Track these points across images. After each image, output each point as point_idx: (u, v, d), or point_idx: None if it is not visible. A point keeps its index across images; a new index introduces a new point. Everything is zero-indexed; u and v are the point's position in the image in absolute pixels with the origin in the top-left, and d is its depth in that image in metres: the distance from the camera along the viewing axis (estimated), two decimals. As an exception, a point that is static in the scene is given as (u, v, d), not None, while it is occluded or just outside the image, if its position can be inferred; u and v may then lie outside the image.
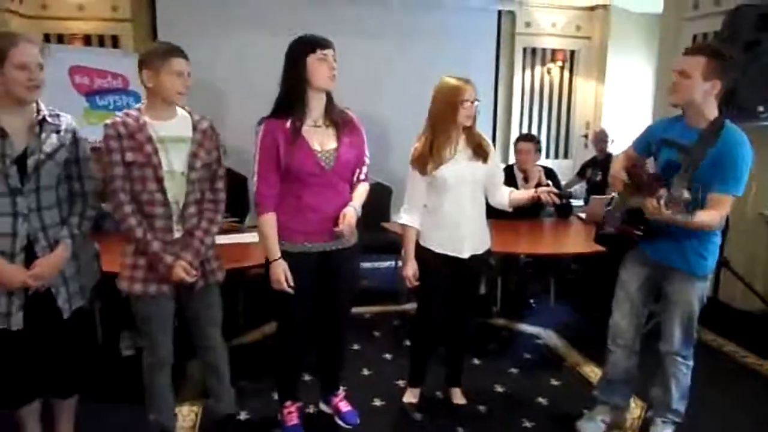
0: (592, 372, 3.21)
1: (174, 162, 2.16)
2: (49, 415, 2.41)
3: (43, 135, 2.05)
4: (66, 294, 2.15)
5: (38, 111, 2.07)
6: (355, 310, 3.13)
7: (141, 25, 4.97)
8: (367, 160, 2.49)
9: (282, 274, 2.30)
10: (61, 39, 4.82)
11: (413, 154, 2.50)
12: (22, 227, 2.02)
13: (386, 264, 4.91)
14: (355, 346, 3.49)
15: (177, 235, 2.21)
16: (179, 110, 2.25)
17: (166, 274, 2.16)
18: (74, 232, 2.13)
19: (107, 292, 2.63)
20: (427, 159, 2.46)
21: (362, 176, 2.48)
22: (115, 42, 4.97)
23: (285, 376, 2.63)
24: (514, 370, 3.28)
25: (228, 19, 4.79)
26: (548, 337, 3.77)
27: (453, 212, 2.51)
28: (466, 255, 2.54)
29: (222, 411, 2.54)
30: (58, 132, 2.09)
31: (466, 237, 2.53)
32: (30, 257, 2.05)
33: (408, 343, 3.24)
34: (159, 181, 2.13)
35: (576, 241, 3.91)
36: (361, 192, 2.46)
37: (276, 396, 2.67)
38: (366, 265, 4.91)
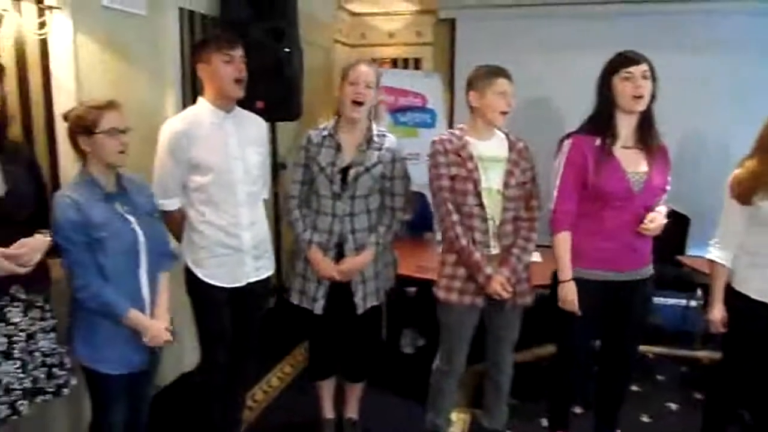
0: None
1: (492, 180, 2.25)
2: (341, 394, 2.73)
3: (368, 151, 2.33)
4: (362, 293, 2.41)
5: (369, 130, 2.36)
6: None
7: (441, 48, 5.33)
8: (668, 188, 2.27)
9: (573, 295, 2.20)
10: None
11: (734, 180, 2.16)
12: (337, 227, 2.33)
13: (675, 301, 4.37)
14: (634, 387, 3.17)
15: (493, 251, 2.27)
16: (497, 131, 2.33)
17: (484, 285, 2.23)
18: (379, 241, 2.38)
19: (394, 293, 2.88)
20: (752, 187, 2.10)
21: (662, 203, 2.27)
22: (416, 64, 5.43)
23: (559, 403, 2.52)
24: None
25: (526, 41, 4.82)
26: None
27: None
28: None
29: (491, 426, 2.56)
30: (380, 149, 2.35)
31: None
32: (339, 255, 2.35)
33: (700, 396, 2.84)
34: (478, 195, 2.23)
35: None
36: (663, 212, 2.23)
37: (545, 422, 2.58)
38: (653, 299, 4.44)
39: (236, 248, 2.29)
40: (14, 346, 1.67)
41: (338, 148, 2.33)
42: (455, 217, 2.25)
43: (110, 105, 1.85)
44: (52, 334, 1.79)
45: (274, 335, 3.46)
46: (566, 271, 2.22)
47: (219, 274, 2.29)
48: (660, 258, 2.61)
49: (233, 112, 2.30)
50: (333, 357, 2.60)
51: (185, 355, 2.95)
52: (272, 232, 3.84)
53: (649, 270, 2.27)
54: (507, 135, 2.34)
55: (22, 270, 1.61)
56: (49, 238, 1.73)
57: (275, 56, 3.12)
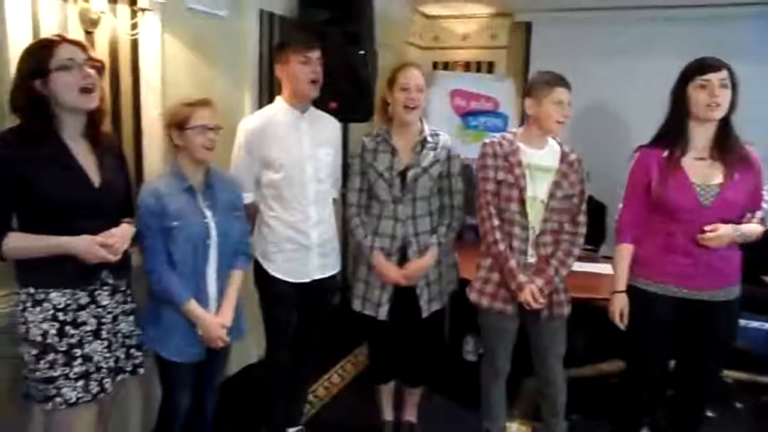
0: None
1: (537, 189, 2.21)
2: (400, 399, 2.73)
3: (423, 152, 2.32)
4: (427, 296, 2.40)
5: (421, 132, 2.35)
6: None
7: (515, 51, 5.23)
8: (765, 205, 2.11)
9: (619, 308, 2.16)
10: (446, 66, 5.43)
11: None
12: (400, 231, 2.33)
13: (759, 323, 4.09)
14: (709, 413, 2.99)
15: (530, 260, 2.24)
16: (551, 140, 2.29)
17: (515, 292, 2.20)
18: (441, 241, 2.37)
19: (459, 297, 2.85)
20: None
21: (754, 220, 2.11)
22: (490, 67, 5.35)
23: (625, 423, 2.41)
24: None
25: (603, 46, 4.66)
26: None
27: None
28: None
29: (551, 440, 2.48)
30: (434, 149, 2.34)
31: None
32: (402, 259, 2.35)
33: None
34: (522, 203, 2.20)
35: None
36: (752, 227, 2.09)
37: (610, 440, 2.48)
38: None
39: (303, 245, 2.34)
40: (102, 327, 1.77)
41: (393, 152, 2.33)
42: (495, 221, 2.22)
43: (203, 103, 1.96)
44: (131, 317, 1.89)
45: (338, 333, 3.50)
46: (619, 282, 2.19)
47: (286, 269, 2.34)
48: (744, 278, 2.46)
49: (308, 112, 2.35)
50: (393, 361, 2.60)
51: (251, 347, 3.04)
52: (340, 232, 3.91)
53: (734, 291, 2.14)
54: (561, 145, 2.28)
55: (114, 258, 1.71)
56: (134, 228, 1.83)
57: (350, 58, 3.17)
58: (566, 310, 2.33)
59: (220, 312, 2.03)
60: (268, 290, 2.39)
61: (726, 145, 2.06)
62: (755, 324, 4.10)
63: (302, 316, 2.50)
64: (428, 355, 2.60)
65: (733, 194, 2.04)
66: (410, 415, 2.72)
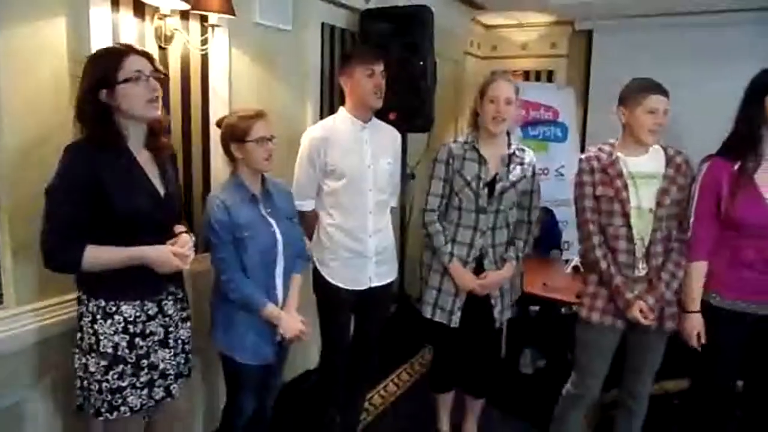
0: None
1: (643, 198, 2.12)
2: (460, 409, 2.71)
3: (511, 166, 2.32)
4: (501, 306, 2.40)
5: (509, 144, 2.35)
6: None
7: (575, 60, 5.15)
8: None
9: (696, 329, 2.05)
10: (505, 76, 5.39)
11: None
12: (478, 241, 2.33)
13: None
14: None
15: (641, 272, 2.14)
16: (654, 145, 2.20)
17: (625, 310, 2.13)
18: (519, 255, 2.36)
19: (518, 309, 2.82)
20: None
21: None
22: (549, 76, 5.28)
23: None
24: None
25: (665, 52, 4.52)
26: None
27: None
28: None
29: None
30: (522, 164, 2.33)
31: None
32: (477, 268, 2.35)
33: None
34: (625, 216, 2.11)
35: None
36: None
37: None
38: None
39: (360, 253, 2.37)
40: (169, 335, 1.82)
41: (482, 161, 2.32)
42: (596, 239, 2.15)
43: (260, 115, 2.00)
44: (188, 323, 1.93)
45: (394, 342, 3.52)
46: (695, 303, 2.08)
47: (342, 276, 2.38)
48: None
49: (370, 123, 2.39)
50: (457, 370, 2.59)
51: (310, 353, 3.09)
52: (397, 241, 3.93)
53: None
54: (665, 148, 2.18)
55: (187, 266, 1.74)
56: (192, 237, 1.86)
57: (410, 69, 3.20)
58: (673, 324, 2.18)
59: (287, 311, 2.09)
60: (326, 296, 2.43)
61: None
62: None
63: (359, 324, 2.53)
64: (492, 366, 2.58)
65: None
66: (470, 428, 2.70)
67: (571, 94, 4.83)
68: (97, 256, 1.62)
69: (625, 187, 2.11)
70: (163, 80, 1.78)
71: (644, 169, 2.14)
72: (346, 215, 2.35)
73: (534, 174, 2.37)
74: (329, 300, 2.42)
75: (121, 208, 1.62)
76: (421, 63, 3.21)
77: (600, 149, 2.20)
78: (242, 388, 2.09)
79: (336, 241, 2.36)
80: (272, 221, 2.04)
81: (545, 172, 4.39)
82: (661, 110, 2.08)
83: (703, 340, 2.08)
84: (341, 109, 2.41)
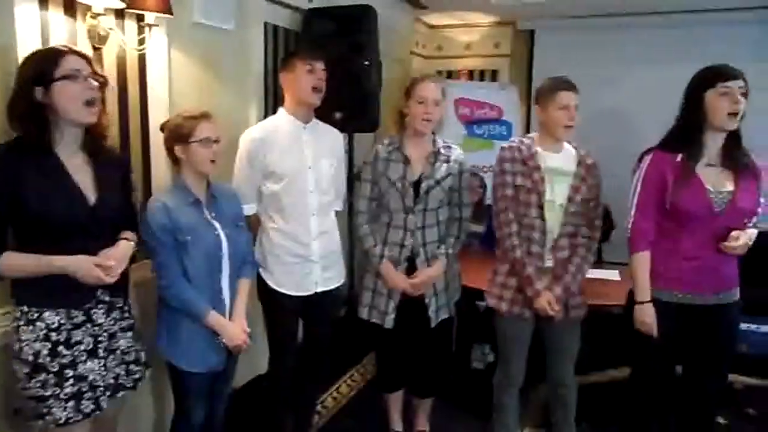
0: None
1: (556, 193, 2.21)
2: (410, 409, 2.72)
3: (436, 164, 2.33)
4: (435, 306, 2.41)
5: (434, 143, 2.37)
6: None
7: (518, 59, 5.27)
8: (759, 210, 2.12)
9: (651, 317, 2.10)
10: (450, 75, 5.46)
11: None
12: (408, 240, 2.35)
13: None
14: (721, 420, 2.97)
15: (548, 263, 2.24)
16: (567, 145, 2.30)
17: (533, 299, 2.21)
18: (449, 252, 2.38)
19: (466, 306, 2.85)
20: None
21: (750, 225, 2.11)
22: (493, 76, 5.38)
23: (635, 429, 2.40)
24: None
25: (605, 52, 4.69)
26: None
27: None
28: None
29: (562, 447, 2.47)
30: (448, 162, 2.36)
31: None
32: (410, 268, 2.36)
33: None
34: (540, 208, 2.20)
35: None
36: (753, 232, 2.09)
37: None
38: (742, 326, 4.16)
39: (305, 257, 2.34)
40: (99, 345, 1.75)
41: (406, 161, 2.34)
42: (513, 227, 2.23)
43: (204, 116, 1.96)
44: (130, 333, 1.87)
45: (345, 343, 3.51)
46: (644, 293, 2.12)
47: (286, 282, 2.34)
48: (751, 282, 2.45)
49: (311, 123, 2.37)
50: (401, 370, 2.60)
51: (259, 358, 3.04)
52: (346, 244, 3.91)
53: (734, 294, 2.14)
54: (576, 149, 2.29)
55: (111, 280, 1.68)
56: (133, 244, 1.81)
57: (355, 69, 3.19)
58: (581, 312, 2.33)
59: (234, 318, 2.05)
60: (271, 304, 2.39)
61: (736, 152, 2.07)
62: (765, 328, 4.09)
63: (308, 328, 2.51)
64: (437, 365, 2.59)
65: (744, 201, 2.05)
66: (422, 425, 2.72)
67: (515, 92, 4.93)
68: (12, 263, 1.60)
69: (542, 180, 2.19)
70: (103, 84, 1.71)
71: (558, 165, 2.24)
72: (287, 218, 2.32)
73: (462, 171, 2.39)
74: (274, 307, 2.38)
75: (34, 212, 1.58)
76: (366, 63, 3.22)
77: (521, 141, 2.28)
78: (190, 396, 2.04)
79: (279, 246, 2.32)
80: (217, 225, 2.00)
81: (491, 169, 4.46)
82: (571, 105, 2.16)
83: (654, 332, 2.11)
84: (281, 110, 2.38)
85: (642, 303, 2.13)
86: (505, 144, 2.32)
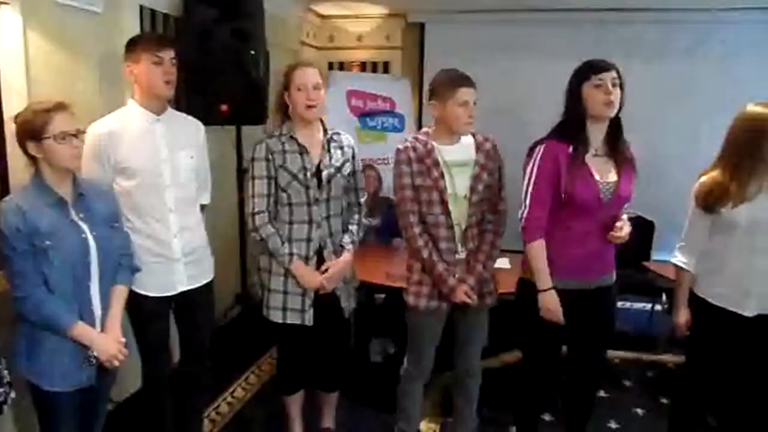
0: None
1: (458, 186, 2.22)
2: (311, 407, 2.65)
3: (332, 150, 2.28)
4: (346, 296, 2.38)
5: (324, 130, 2.30)
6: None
7: (409, 51, 5.30)
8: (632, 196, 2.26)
9: (555, 304, 2.13)
10: (342, 66, 5.41)
11: (700, 189, 2.17)
12: (315, 233, 2.27)
13: (641, 305, 4.43)
14: (602, 393, 3.18)
15: (460, 255, 2.25)
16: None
17: (449, 295, 2.22)
18: (355, 239, 2.34)
19: (364, 300, 2.83)
20: (717, 196, 2.11)
21: (624, 213, 2.24)
22: (386, 68, 5.39)
23: (527, 410, 2.49)
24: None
25: (493, 46, 4.83)
26: None
27: (737, 262, 2.12)
28: (749, 313, 2.11)
29: (462, 434, 2.51)
30: (341, 148, 2.31)
31: (753, 293, 2.11)
32: (318, 261, 2.30)
33: (666, 401, 2.86)
34: (444, 204, 2.20)
35: None
36: (626, 220, 2.21)
37: (514, 430, 2.55)
38: (618, 304, 4.49)
39: (166, 256, 2.19)
40: None
41: (304, 151, 2.26)
42: (417, 229, 2.23)
43: (59, 107, 1.73)
44: None
45: (239, 344, 3.37)
46: (546, 280, 2.14)
47: (148, 283, 2.17)
48: (625, 263, 2.62)
49: (164, 114, 2.21)
50: (304, 369, 2.52)
51: (132, 374, 2.83)
52: (237, 241, 3.76)
53: (612, 277, 2.27)
54: (474, 135, 2.30)
55: None
56: None
57: (240, 59, 3.04)
58: (491, 300, 2.37)
59: (106, 328, 1.86)
60: (134, 308, 2.16)
61: (618, 142, 2.18)
62: (638, 306, 4.44)
63: (184, 332, 2.36)
64: (342, 357, 2.56)
65: (625, 190, 2.16)
66: (328, 422, 2.66)
67: (407, 84, 4.97)
68: None
69: (442, 176, 2.20)
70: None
71: (457, 157, 2.24)
72: (144, 217, 2.15)
73: (354, 156, 2.38)
74: (139, 311, 2.18)
75: None
76: (252, 52, 3.08)
77: (416, 139, 2.27)
78: (57, 419, 1.82)
79: (137, 246, 2.12)
80: (84, 227, 1.80)
81: (385, 161, 4.48)
82: (471, 102, 2.18)
83: (561, 319, 2.13)
84: (130, 102, 2.19)
85: (545, 291, 2.14)
86: (400, 145, 2.28)
